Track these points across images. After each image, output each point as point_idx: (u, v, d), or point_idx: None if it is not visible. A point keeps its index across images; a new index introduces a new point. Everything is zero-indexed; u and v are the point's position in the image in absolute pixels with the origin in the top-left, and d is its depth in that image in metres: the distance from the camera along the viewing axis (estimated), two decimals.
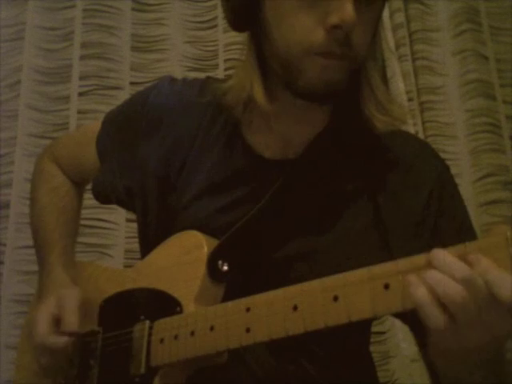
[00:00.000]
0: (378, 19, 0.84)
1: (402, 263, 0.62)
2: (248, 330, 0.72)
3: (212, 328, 0.76)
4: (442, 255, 0.59)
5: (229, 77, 0.94)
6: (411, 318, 0.81)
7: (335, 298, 0.66)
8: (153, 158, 0.95)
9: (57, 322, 0.90)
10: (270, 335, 0.70)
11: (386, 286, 0.62)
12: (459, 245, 0.59)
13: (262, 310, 0.72)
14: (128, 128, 0.99)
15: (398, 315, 0.92)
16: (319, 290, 0.67)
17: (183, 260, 0.87)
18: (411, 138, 1.00)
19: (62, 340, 0.88)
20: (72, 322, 0.88)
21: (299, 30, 0.77)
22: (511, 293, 0.55)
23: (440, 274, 0.58)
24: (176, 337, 0.80)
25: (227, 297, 0.79)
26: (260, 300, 0.73)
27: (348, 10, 0.73)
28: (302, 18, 0.77)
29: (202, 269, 0.84)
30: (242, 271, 0.84)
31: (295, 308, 0.69)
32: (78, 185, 1.12)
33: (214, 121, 0.94)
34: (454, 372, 0.70)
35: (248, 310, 0.73)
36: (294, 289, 0.70)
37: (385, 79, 1.61)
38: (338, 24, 0.74)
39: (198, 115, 0.95)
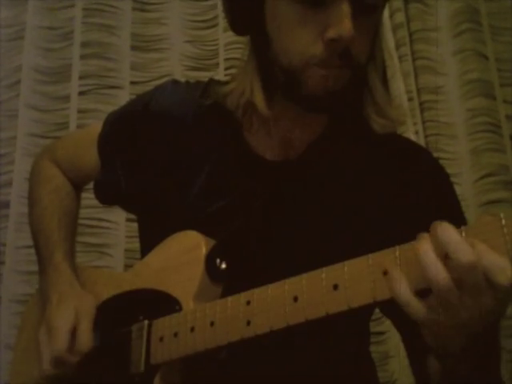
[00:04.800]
0: (378, 25, 0.85)
1: (400, 250, 0.62)
2: (248, 323, 0.72)
3: (212, 323, 0.76)
4: (450, 232, 0.58)
5: (230, 79, 0.94)
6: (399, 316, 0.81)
7: (335, 287, 0.66)
8: (155, 158, 0.95)
9: (73, 332, 0.90)
10: (271, 327, 0.70)
11: (385, 273, 0.62)
12: (467, 227, 0.59)
13: (262, 303, 0.72)
14: (130, 128, 0.99)
15: (388, 313, 0.92)
16: (319, 279, 0.67)
17: (182, 260, 0.87)
18: (411, 144, 1.00)
19: (75, 359, 0.88)
20: (86, 343, 0.88)
21: (299, 42, 0.78)
22: (507, 278, 0.55)
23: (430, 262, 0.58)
24: (176, 334, 0.80)
25: (226, 295, 0.79)
26: (260, 293, 0.73)
27: (346, 25, 0.74)
28: (302, 30, 0.77)
29: (200, 268, 0.84)
30: (240, 269, 0.84)
31: (295, 299, 0.69)
32: (77, 186, 1.12)
33: (215, 122, 0.94)
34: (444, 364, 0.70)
35: (248, 303, 0.73)
36: (294, 280, 0.70)
37: (385, 79, 1.61)
38: (335, 38, 0.75)
39: (200, 116, 0.95)
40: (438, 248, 0.58)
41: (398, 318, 0.91)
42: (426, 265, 0.58)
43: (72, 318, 0.90)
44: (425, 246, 0.59)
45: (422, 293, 0.60)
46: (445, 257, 0.57)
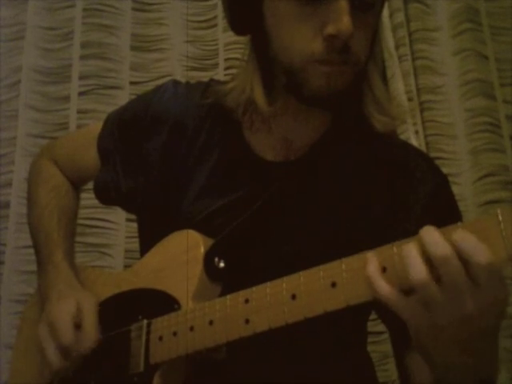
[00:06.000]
0: (377, 21, 0.85)
1: (397, 246, 0.63)
2: (247, 322, 0.73)
3: (211, 322, 0.76)
4: (431, 231, 0.60)
5: (231, 79, 0.94)
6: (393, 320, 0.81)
7: (333, 285, 0.66)
8: (155, 158, 0.95)
9: (77, 326, 0.89)
10: (270, 325, 0.71)
11: (384, 270, 0.63)
12: (452, 225, 0.60)
13: (261, 301, 0.72)
14: (131, 128, 0.99)
15: (382, 316, 0.92)
16: (317, 277, 0.68)
17: (180, 259, 0.87)
18: (412, 149, 1.00)
19: (88, 347, 0.87)
20: (93, 332, 0.88)
21: (299, 39, 0.78)
22: (484, 257, 0.56)
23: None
24: (175, 333, 0.80)
25: (224, 294, 0.79)
26: (258, 291, 0.73)
27: (344, 21, 0.74)
28: (301, 27, 0.78)
29: (199, 267, 0.84)
30: (238, 269, 0.85)
31: (294, 297, 0.69)
32: (76, 185, 1.12)
33: (215, 122, 0.94)
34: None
35: (247, 301, 0.74)
36: (292, 278, 0.70)
37: (385, 79, 1.61)
38: (335, 34, 0.75)
39: (201, 117, 0.95)
40: (422, 248, 0.59)
41: (391, 322, 0.91)
42: (408, 261, 0.59)
43: (73, 310, 0.89)
44: (410, 245, 0.60)
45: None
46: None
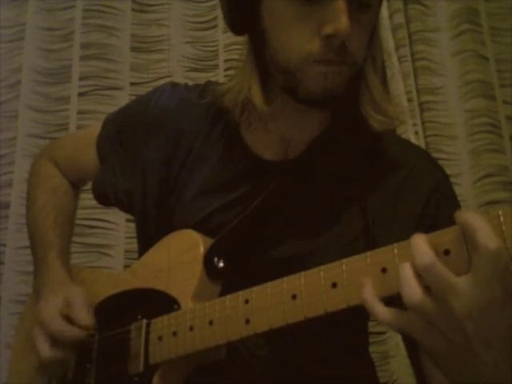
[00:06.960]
0: (375, 21, 0.85)
1: (399, 248, 0.63)
2: (247, 322, 0.72)
3: (211, 322, 0.76)
4: (419, 240, 0.59)
5: (229, 79, 0.95)
6: None
7: (334, 285, 0.66)
8: (153, 159, 0.95)
9: (67, 319, 0.90)
10: (270, 325, 0.71)
11: (384, 270, 0.63)
12: (453, 227, 0.59)
13: (261, 301, 0.72)
14: (129, 129, 1.00)
15: None
16: (317, 278, 0.67)
17: (180, 259, 0.87)
18: (412, 147, 1.00)
19: (78, 332, 0.88)
20: (85, 317, 0.89)
21: (296, 39, 0.78)
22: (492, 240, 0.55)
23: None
24: (175, 333, 0.80)
25: (224, 294, 0.79)
26: (259, 291, 0.73)
27: (342, 21, 0.74)
28: (299, 27, 0.78)
29: (198, 267, 0.84)
30: (237, 268, 0.85)
31: (294, 297, 0.69)
32: (75, 186, 1.12)
33: (214, 123, 0.94)
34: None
35: (247, 301, 0.73)
36: (293, 278, 0.70)
37: (384, 80, 1.61)
38: (332, 34, 0.75)
39: (199, 117, 0.95)
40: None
41: None
42: (403, 284, 0.59)
43: (60, 304, 0.90)
44: (404, 265, 0.60)
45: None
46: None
